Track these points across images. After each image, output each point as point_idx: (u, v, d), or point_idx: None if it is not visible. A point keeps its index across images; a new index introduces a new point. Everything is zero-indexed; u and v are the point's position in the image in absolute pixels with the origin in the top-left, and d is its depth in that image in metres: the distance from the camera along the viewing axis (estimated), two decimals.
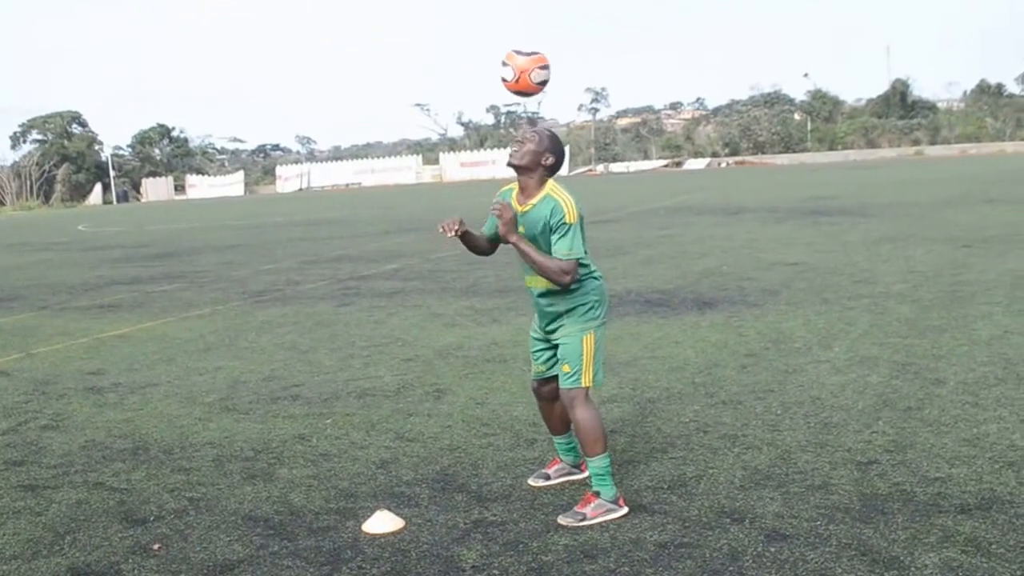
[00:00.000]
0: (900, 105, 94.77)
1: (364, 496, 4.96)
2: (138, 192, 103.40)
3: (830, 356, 7.41)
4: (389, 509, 4.67)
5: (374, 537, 4.42)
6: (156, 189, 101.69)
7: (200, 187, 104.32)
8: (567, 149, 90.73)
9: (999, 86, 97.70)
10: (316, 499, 4.96)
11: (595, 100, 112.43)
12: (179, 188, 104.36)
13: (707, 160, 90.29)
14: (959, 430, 5.42)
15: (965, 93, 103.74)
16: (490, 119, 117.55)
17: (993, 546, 3.93)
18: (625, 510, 4.53)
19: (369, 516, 4.60)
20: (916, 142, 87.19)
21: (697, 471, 5.01)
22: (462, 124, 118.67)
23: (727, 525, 4.29)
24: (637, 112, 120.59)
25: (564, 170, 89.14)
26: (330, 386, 7.45)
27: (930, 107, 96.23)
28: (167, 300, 13.37)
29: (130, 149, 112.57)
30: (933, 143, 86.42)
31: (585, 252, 4.50)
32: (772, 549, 4.03)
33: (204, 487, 5.25)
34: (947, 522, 4.18)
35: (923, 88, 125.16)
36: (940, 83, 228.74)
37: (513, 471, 5.20)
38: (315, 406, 6.86)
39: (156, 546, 4.48)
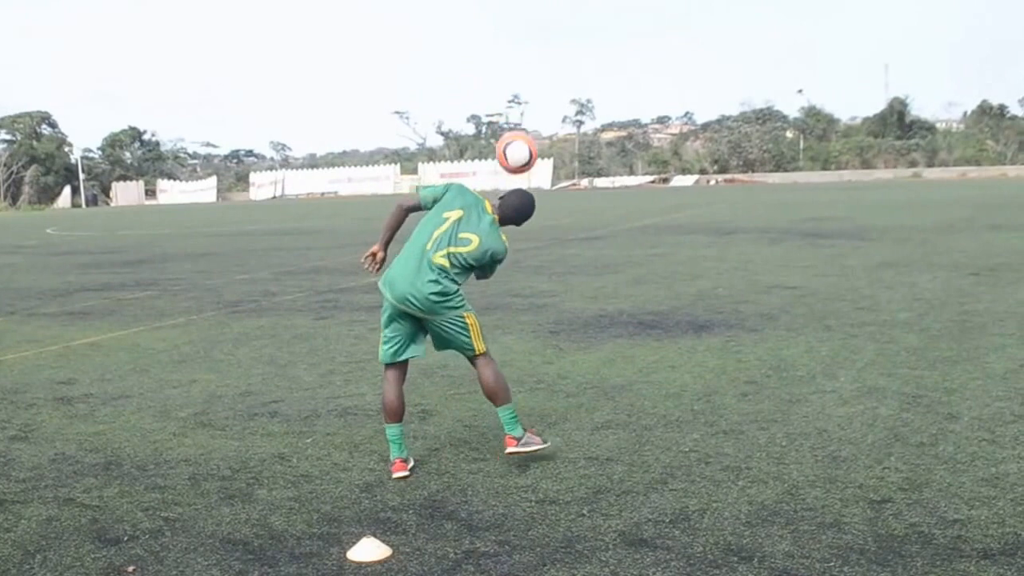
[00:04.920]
0: (897, 125, 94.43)
1: (348, 521, 4.76)
2: (108, 196, 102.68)
3: (835, 386, 7.19)
4: (375, 536, 4.49)
5: (360, 565, 4.23)
6: (126, 193, 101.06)
7: (171, 192, 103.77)
8: (551, 162, 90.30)
9: (1001, 107, 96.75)
10: (298, 523, 4.75)
11: (580, 112, 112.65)
12: (150, 193, 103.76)
13: (695, 177, 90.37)
14: (977, 469, 5.21)
15: (965, 114, 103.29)
16: (471, 129, 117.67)
17: None
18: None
19: (354, 543, 4.42)
20: (913, 163, 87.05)
21: (700, 504, 4.80)
22: (442, 133, 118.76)
23: (734, 564, 4.09)
24: (623, 126, 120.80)
25: (546, 183, 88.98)
26: (310, 403, 7.21)
27: (928, 128, 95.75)
28: (139, 308, 13.06)
29: (100, 152, 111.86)
30: (931, 165, 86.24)
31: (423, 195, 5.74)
32: None
33: (180, 507, 5.04)
34: (969, 568, 3.98)
35: (922, 108, 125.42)
36: (940, 103, 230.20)
37: (505, 499, 4.98)
38: (295, 424, 6.62)
39: (131, 568, 4.30)
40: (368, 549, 4.35)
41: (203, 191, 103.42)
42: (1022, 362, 7.77)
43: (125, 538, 4.62)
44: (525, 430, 5.55)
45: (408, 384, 7.66)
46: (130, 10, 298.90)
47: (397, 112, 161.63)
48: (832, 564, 4.04)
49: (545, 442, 5.57)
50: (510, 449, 5.48)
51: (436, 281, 5.41)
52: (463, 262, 5.50)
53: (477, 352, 5.60)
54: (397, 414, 5.58)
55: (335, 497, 5.11)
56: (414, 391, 7.45)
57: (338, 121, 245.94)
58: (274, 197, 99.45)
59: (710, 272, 14.97)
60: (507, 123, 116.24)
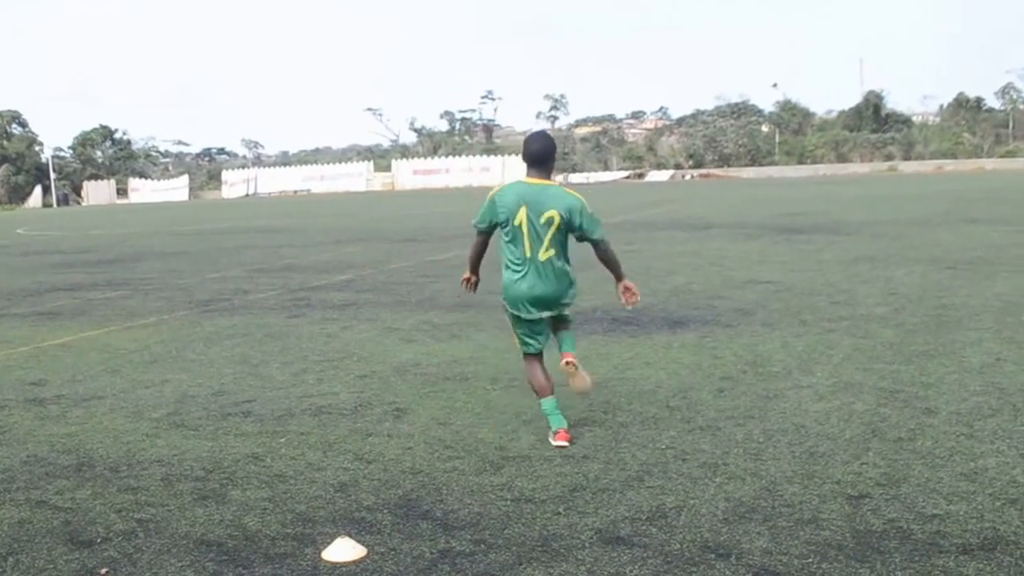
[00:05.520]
0: (873, 118, 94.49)
1: (323, 521, 4.71)
2: (79, 195, 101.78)
3: (812, 381, 7.19)
4: (350, 536, 4.46)
5: (335, 566, 4.20)
6: (98, 192, 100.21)
7: (143, 191, 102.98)
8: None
9: (978, 100, 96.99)
10: (272, 523, 4.70)
11: (554, 108, 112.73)
12: (121, 192, 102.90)
13: (670, 172, 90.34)
14: (955, 464, 5.21)
15: (941, 107, 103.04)
16: (444, 126, 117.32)
17: None
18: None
19: (329, 543, 4.38)
20: (889, 157, 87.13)
21: (677, 502, 4.79)
22: (415, 130, 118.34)
23: (712, 561, 4.07)
24: (597, 121, 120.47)
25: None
26: (283, 402, 7.15)
27: (904, 121, 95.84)
28: (110, 308, 12.93)
29: (71, 151, 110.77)
30: (907, 158, 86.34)
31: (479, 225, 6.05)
32: None
33: (153, 508, 4.99)
34: (949, 563, 3.97)
35: (897, 101, 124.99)
36: (915, 96, 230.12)
37: (481, 497, 4.95)
38: (268, 423, 6.56)
39: (103, 571, 4.25)
40: (343, 549, 4.32)
41: (175, 190, 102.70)
42: (999, 356, 7.81)
43: (98, 540, 4.56)
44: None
45: (381, 382, 7.65)
46: (101, 7, 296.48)
47: (370, 109, 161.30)
48: (810, 561, 4.03)
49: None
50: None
51: (558, 273, 5.90)
52: (561, 238, 5.86)
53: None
54: (550, 387, 6.04)
55: (309, 497, 5.06)
56: (387, 390, 7.42)
57: (311, 118, 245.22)
58: (246, 195, 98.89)
59: (685, 268, 14.98)
60: (481, 119, 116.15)
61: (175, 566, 4.24)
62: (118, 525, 4.75)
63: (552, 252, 5.82)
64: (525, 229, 5.80)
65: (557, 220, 5.77)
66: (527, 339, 6.06)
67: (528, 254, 5.83)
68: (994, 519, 4.43)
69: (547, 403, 5.97)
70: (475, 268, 6.34)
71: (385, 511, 4.81)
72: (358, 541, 4.38)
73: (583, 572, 4.02)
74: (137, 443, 6.20)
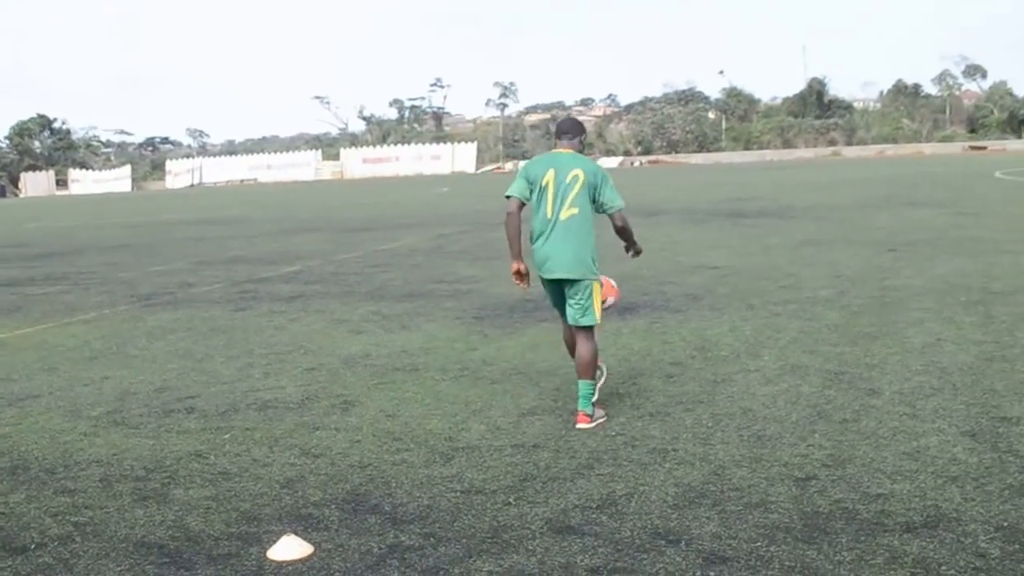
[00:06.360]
0: (816, 104, 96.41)
1: (268, 519, 4.61)
2: (16, 187, 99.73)
3: (759, 365, 7.22)
4: (296, 534, 4.36)
5: (280, 565, 4.11)
6: (36, 184, 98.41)
7: (84, 182, 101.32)
8: (475, 145, 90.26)
9: (916, 86, 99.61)
10: (216, 523, 4.60)
11: (504, 95, 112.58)
12: (61, 183, 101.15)
13: (619, 159, 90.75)
14: (898, 443, 5.26)
15: (882, 93, 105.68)
16: (393, 113, 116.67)
17: (943, 567, 3.76)
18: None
19: (275, 542, 4.28)
20: (832, 142, 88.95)
21: (627, 488, 4.76)
22: (364, 118, 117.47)
23: (662, 547, 4.05)
24: (547, 108, 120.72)
25: (470, 167, 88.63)
26: (228, 397, 7.01)
27: (846, 107, 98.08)
28: (48, 304, 12.64)
29: (7, 141, 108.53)
30: (850, 143, 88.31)
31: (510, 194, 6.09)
32: (711, 573, 3.81)
33: (91, 510, 4.85)
34: (893, 542, 4.00)
35: (839, 88, 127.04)
36: (856, 83, 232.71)
37: (430, 489, 4.89)
38: (212, 420, 6.43)
39: None
40: (289, 547, 4.23)
41: (117, 180, 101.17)
42: (939, 336, 7.91)
43: (32, 546, 4.41)
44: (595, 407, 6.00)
45: (329, 375, 7.55)
46: None
47: (318, 97, 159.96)
48: (759, 544, 4.03)
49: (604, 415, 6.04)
50: (581, 426, 5.84)
51: (579, 234, 5.95)
52: (584, 200, 5.95)
53: (591, 324, 6.01)
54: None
55: (254, 494, 4.96)
56: (335, 382, 7.31)
57: (258, 107, 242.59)
58: (191, 185, 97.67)
59: None
60: (430, 107, 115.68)
61: (113, 571, 4.12)
62: (53, 529, 4.62)
63: (574, 211, 5.91)
64: (551, 189, 5.95)
65: (582, 178, 5.93)
66: (554, 306, 6.30)
67: (550, 214, 5.94)
68: (936, 497, 4.48)
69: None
70: (519, 252, 6.08)
71: (332, 506, 4.73)
72: (305, 538, 4.30)
73: (534, 563, 3.97)
74: (75, 443, 6.04)
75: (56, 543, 4.45)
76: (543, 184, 5.97)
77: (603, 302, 6.12)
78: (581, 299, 5.94)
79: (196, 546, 4.33)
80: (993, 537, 4.01)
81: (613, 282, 6.47)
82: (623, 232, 6.25)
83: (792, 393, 6.38)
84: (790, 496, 4.55)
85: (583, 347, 5.98)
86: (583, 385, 5.90)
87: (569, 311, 6.00)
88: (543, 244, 5.97)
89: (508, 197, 6.11)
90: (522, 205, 6.09)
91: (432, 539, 4.27)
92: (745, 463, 5.03)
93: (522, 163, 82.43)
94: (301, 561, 4.12)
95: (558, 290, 6.06)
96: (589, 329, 5.99)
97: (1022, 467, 4.80)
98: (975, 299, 9.52)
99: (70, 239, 25.82)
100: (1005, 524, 4.13)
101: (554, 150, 6.19)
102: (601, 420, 5.90)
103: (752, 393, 6.43)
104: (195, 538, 4.42)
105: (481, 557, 4.06)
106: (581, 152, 6.18)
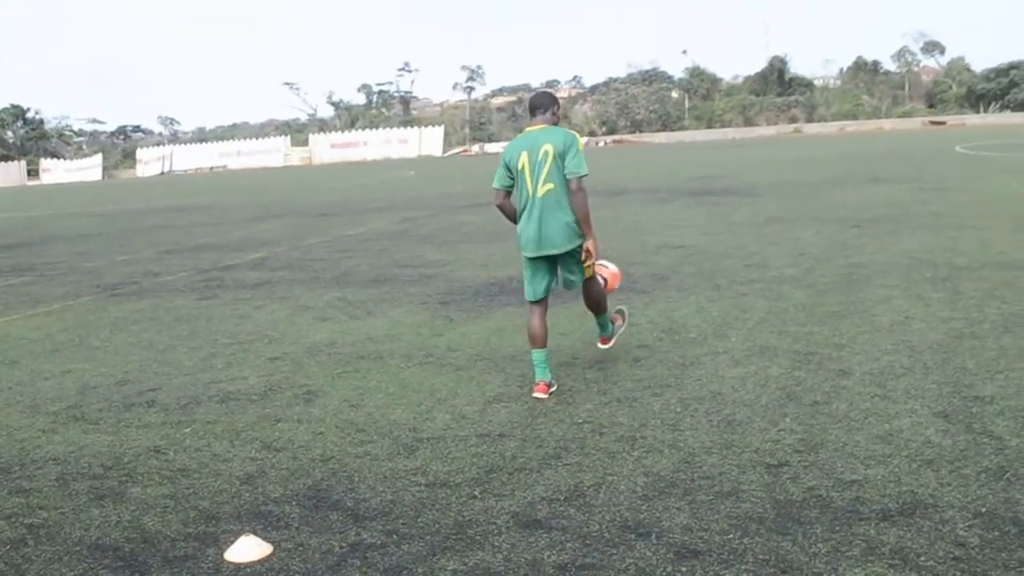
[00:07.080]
0: (778, 82, 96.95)
1: (227, 517, 4.48)
2: None
3: (727, 347, 7.10)
4: (255, 533, 4.23)
5: (238, 567, 3.97)
6: (7, 174, 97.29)
7: (55, 172, 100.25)
8: (441, 129, 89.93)
9: (875, 63, 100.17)
10: (173, 522, 4.46)
11: (470, 78, 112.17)
12: (33, 173, 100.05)
13: (584, 139, 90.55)
14: (871, 426, 5.14)
15: (841, 71, 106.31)
16: (362, 99, 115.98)
17: (922, 558, 3.65)
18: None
19: (232, 542, 4.14)
20: (794, 119, 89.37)
21: (595, 479, 4.63)
22: (332, 104, 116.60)
23: (632, 541, 3.93)
24: (513, 91, 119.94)
25: (437, 151, 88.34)
26: (190, 389, 6.85)
27: (807, 84, 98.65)
28: (12, 295, 12.41)
29: None
30: (810, 120, 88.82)
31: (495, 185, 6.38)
32: (683, 568, 3.69)
33: (46, 511, 4.70)
34: (869, 531, 3.88)
35: (800, 66, 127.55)
36: (817, 60, 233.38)
37: (393, 483, 4.75)
38: (173, 413, 6.28)
39: None
40: (247, 548, 4.09)
41: (88, 169, 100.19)
42: (908, 314, 7.82)
43: None
44: (613, 322, 6.80)
45: (293, 364, 7.40)
46: None
47: (287, 83, 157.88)
48: (732, 536, 3.91)
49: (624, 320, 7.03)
50: (603, 346, 6.80)
51: (559, 208, 6.08)
52: (558, 174, 6.07)
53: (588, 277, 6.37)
54: (543, 340, 6.22)
55: (213, 491, 4.82)
56: (299, 372, 7.16)
57: (228, 93, 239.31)
58: (162, 173, 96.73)
59: (600, 234, 14.68)
60: (398, 91, 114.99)
61: (66, 575, 3.98)
62: (6, 532, 4.46)
63: (550, 186, 6.06)
64: (528, 170, 6.11)
65: (552, 152, 6.04)
66: (527, 284, 6.32)
67: (530, 192, 6.12)
68: (911, 482, 4.37)
69: (537, 355, 6.17)
70: None
71: (293, 503, 4.60)
72: (263, 538, 4.17)
73: (499, 560, 3.85)
74: (32, 440, 5.87)
75: (7, 547, 4.30)
76: (519, 167, 6.15)
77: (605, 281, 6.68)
78: (576, 265, 6.22)
79: (152, 548, 4.19)
80: (972, 524, 3.89)
81: (614, 267, 7.15)
82: (576, 208, 6.05)
83: (761, 375, 6.26)
84: (762, 484, 4.43)
85: (589, 290, 6.43)
86: (598, 318, 6.64)
87: (567, 279, 6.28)
88: (527, 223, 6.15)
89: (495, 186, 6.36)
90: (508, 192, 6.33)
91: (395, 536, 4.14)
92: (715, 450, 4.91)
93: (489, 145, 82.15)
94: (259, 562, 3.99)
95: (547, 264, 6.22)
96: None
97: (997, 449, 4.69)
98: (941, 275, 9.44)
99: (38, 229, 25.46)
100: (983, 510, 4.01)
101: (528, 128, 6.26)
102: (622, 331, 6.95)
103: (721, 376, 6.31)
104: (151, 539, 4.28)
105: (445, 555, 3.93)
106: (556, 124, 6.25)
